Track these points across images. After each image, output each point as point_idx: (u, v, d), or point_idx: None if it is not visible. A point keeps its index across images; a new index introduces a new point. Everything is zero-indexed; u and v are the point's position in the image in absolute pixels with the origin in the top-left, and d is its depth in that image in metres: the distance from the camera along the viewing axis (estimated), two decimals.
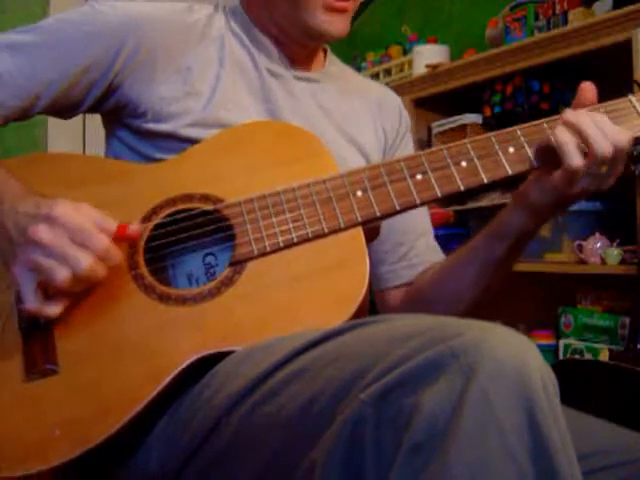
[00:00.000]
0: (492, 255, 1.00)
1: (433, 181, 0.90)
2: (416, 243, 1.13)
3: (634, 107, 0.92)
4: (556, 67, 2.22)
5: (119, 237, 0.83)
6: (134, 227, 0.85)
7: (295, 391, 0.69)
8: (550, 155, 0.88)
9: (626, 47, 1.89)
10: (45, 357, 0.82)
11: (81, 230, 0.79)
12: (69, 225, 0.79)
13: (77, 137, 2.89)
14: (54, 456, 0.76)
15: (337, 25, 1.01)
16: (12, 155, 1.01)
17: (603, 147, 0.85)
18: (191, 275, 0.93)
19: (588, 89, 0.92)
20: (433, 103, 2.67)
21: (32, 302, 0.80)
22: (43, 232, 0.78)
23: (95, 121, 1.07)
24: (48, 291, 0.81)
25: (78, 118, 1.05)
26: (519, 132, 0.92)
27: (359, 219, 0.88)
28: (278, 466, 0.70)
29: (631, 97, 0.93)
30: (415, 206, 0.91)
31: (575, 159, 0.85)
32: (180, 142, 0.96)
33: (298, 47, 1.06)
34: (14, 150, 2.66)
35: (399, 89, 2.59)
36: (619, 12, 1.93)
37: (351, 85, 1.14)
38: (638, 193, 1.86)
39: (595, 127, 0.86)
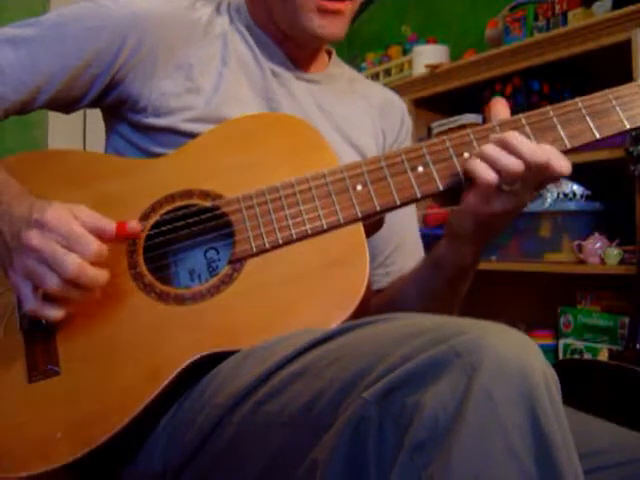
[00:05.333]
0: (429, 286, 0.98)
1: (435, 174, 0.87)
2: (395, 251, 1.11)
3: None
4: (556, 67, 2.22)
5: (120, 235, 0.83)
6: (133, 223, 0.85)
7: (297, 390, 0.69)
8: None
9: (626, 47, 1.89)
10: (47, 358, 0.82)
11: (69, 234, 0.79)
12: (58, 230, 0.79)
13: (77, 138, 2.88)
14: (57, 457, 0.76)
15: (331, 29, 0.99)
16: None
17: (510, 165, 0.82)
18: (193, 271, 0.92)
19: (498, 104, 0.89)
20: (433, 103, 2.67)
21: (31, 304, 0.80)
22: (34, 238, 0.79)
23: (95, 122, 1.06)
24: (48, 295, 0.80)
25: (79, 118, 1.06)
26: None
27: (359, 215, 0.87)
28: (280, 465, 0.70)
29: None
30: (416, 200, 0.89)
31: (488, 174, 0.83)
32: (180, 137, 0.95)
33: (298, 48, 1.06)
34: (14, 150, 2.65)
35: (399, 89, 2.59)
36: (619, 12, 1.94)
37: (354, 88, 1.14)
38: (638, 193, 1.86)
39: (500, 150, 0.82)
